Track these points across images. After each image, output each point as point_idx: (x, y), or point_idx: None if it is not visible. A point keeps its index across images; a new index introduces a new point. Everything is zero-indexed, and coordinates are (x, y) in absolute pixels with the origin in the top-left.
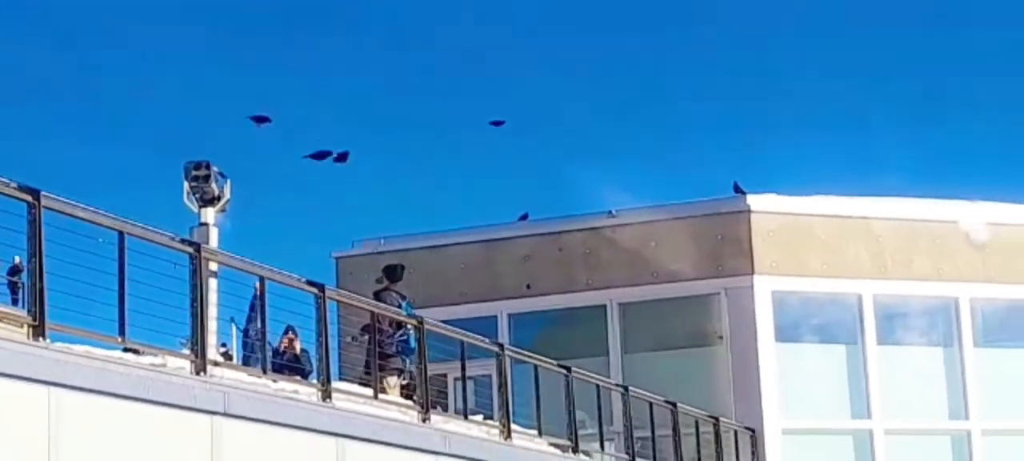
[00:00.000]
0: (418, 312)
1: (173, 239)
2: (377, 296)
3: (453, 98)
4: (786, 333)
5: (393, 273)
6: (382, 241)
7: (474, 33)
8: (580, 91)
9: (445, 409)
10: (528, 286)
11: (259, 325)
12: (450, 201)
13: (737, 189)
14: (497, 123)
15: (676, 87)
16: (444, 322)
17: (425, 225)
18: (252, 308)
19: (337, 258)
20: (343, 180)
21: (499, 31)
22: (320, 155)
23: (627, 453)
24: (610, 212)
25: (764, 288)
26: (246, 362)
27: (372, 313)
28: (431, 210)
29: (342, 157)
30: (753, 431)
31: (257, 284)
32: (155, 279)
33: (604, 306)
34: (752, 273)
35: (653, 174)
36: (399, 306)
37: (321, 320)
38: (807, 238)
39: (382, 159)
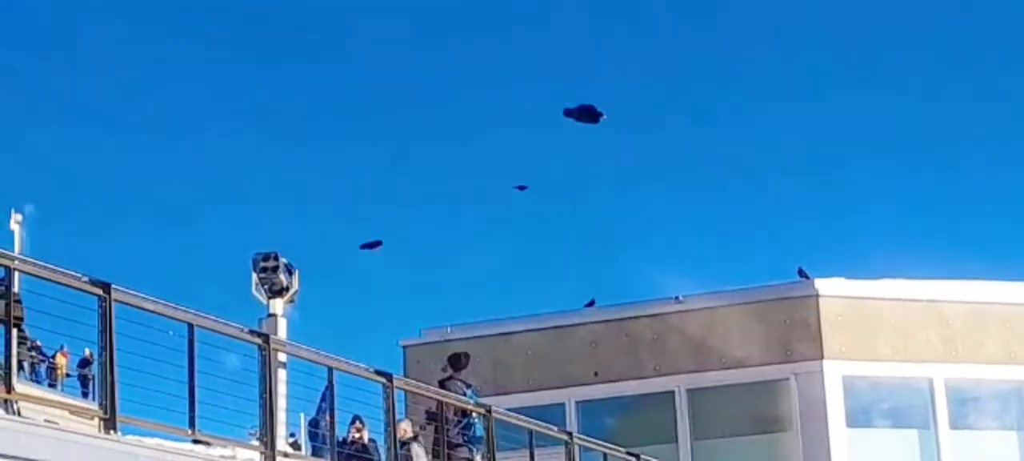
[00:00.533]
0: (485, 400)
1: (242, 331)
2: (442, 385)
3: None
4: (857, 418)
5: (458, 362)
6: (449, 329)
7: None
8: (644, 178)
9: None
10: (596, 373)
11: (328, 415)
12: (517, 289)
13: (802, 274)
14: (521, 187)
15: (738, 172)
16: (512, 410)
17: (492, 313)
18: (323, 398)
19: (404, 347)
20: (410, 267)
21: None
22: (372, 245)
23: None
24: (676, 298)
25: (834, 373)
26: (315, 453)
27: (439, 401)
28: (498, 298)
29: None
30: None
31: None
32: (225, 371)
33: (672, 393)
34: (821, 358)
35: (717, 260)
36: (464, 394)
37: (389, 410)
38: (876, 322)
39: (447, 247)
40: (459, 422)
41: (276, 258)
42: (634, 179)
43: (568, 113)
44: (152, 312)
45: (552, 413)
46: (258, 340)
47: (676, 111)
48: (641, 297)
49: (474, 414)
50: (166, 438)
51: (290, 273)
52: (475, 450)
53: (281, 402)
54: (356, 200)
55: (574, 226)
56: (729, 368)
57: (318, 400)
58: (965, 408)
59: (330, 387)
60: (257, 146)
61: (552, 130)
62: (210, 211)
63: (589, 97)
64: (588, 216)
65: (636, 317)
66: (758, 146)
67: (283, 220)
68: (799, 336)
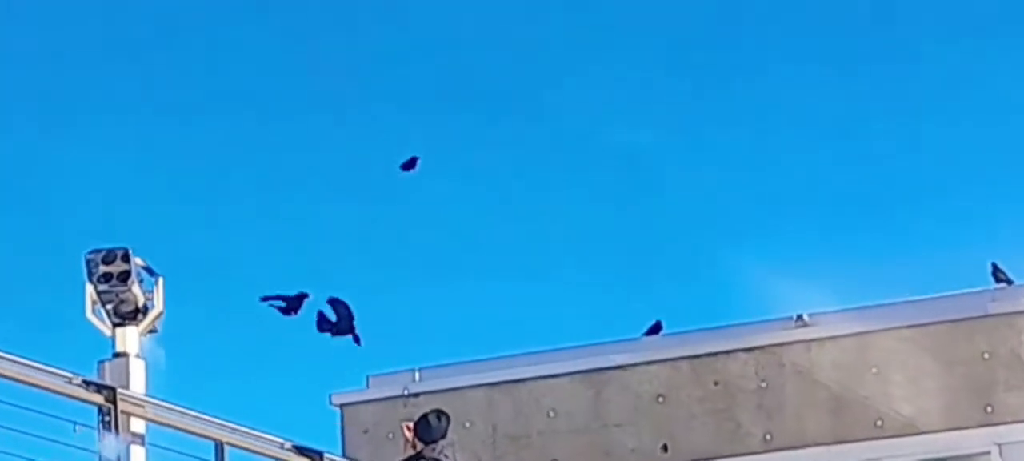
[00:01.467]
0: None
1: (71, 381)
2: None
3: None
4: None
5: (428, 430)
6: (415, 375)
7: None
8: (738, 137)
9: None
10: (665, 448)
11: None
12: (529, 309)
13: (998, 274)
14: (409, 165)
15: (882, 125)
16: None
17: (487, 348)
18: None
19: (340, 406)
20: (348, 280)
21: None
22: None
23: None
24: (797, 318)
25: None
26: None
27: None
28: (498, 325)
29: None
30: None
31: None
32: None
33: None
34: None
35: (860, 257)
36: None
37: None
38: None
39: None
40: None
41: (127, 258)
42: (722, 139)
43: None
44: None
45: None
46: (97, 397)
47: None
48: (738, 318)
49: None
50: None
51: (151, 283)
52: None
53: None
54: (264, 172)
55: (626, 213)
56: (890, 437)
57: None
58: None
59: None
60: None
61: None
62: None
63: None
64: (650, 197)
65: (731, 351)
66: (909, 81)
67: (146, 202)
68: (1006, 379)
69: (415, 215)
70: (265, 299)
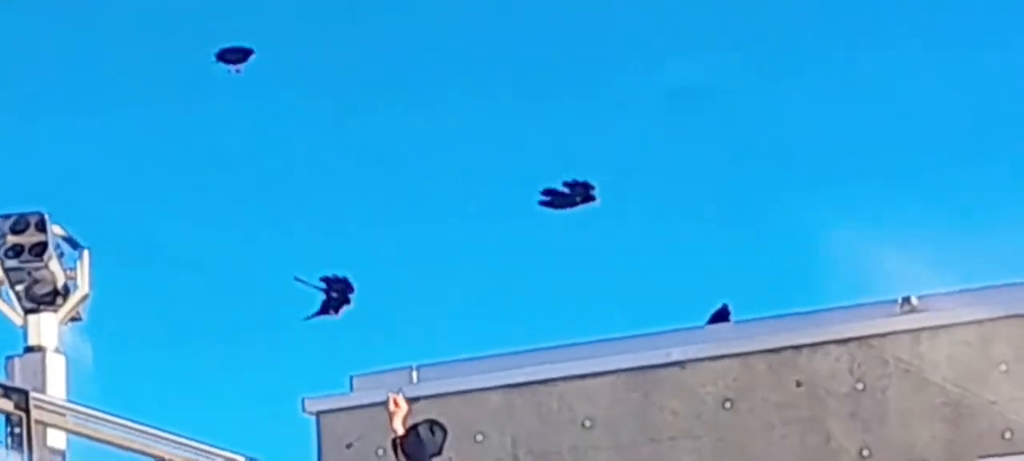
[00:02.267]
0: None
1: None
2: None
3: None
4: None
5: (419, 446)
6: (413, 373)
7: None
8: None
9: None
10: None
11: None
12: (556, 291)
13: None
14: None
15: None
16: None
17: (501, 339)
18: None
19: (317, 413)
20: (328, 256)
21: None
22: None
23: None
24: (904, 301)
25: None
26: None
27: None
28: (514, 310)
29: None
30: None
31: None
32: None
33: None
34: None
35: (984, 227)
36: None
37: None
38: None
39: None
40: None
41: (42, 226)
42: (809, 65)
43: None
44: None
45: None
46: (5, 403)
47: None
48: (828, 302)
49: None
50: None
51: (73, 258)
52: None
53: None
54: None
55: (682, 167)
56: (1020, 452)
57: None
58: None
59: None
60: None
61: None
62: None
63: None
64: (714, 147)
65: (819, 344)
66: None
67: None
68: None
69: (406, 165)
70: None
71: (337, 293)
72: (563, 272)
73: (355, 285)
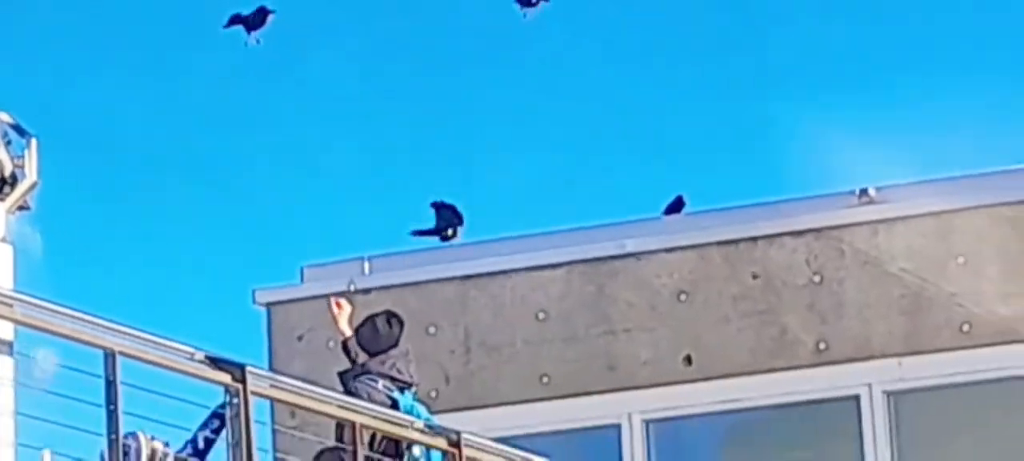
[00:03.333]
0: (446, 421)
1: None
2: (347, 386)
3: None
4: None
5: (376, 337)
6: (365, 265)
7: None
8: None
9: None
10: (688, 360)
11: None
12: (508, 181)
13: None
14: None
15: None
16: (502, 440)
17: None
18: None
19: (267, 304)
20: (276, 150)
21: None
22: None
23: None
24: (862, 192)
25: None
26: None
27: (343, 425)
28: (467, 201)
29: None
30: None
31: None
32: None
33: (856, 398)
34: None
35: (942, 116)
36: (392, 404)
37: (240, 432)
38: None
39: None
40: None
41: None
42: None
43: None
44: None
45: (597, 444)
46: None
47: None
48: (785, 192)
49: (420, 451)
50: None
51: (21, 146)
52: None
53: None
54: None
55: (635, 58)
56: (981, 346)
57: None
58: None
59: (111, 389)
60: None
61: None
62: None
63: None
64: (666, 35)
65: (775, 235)
66: None
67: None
68: None
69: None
70: (417, 234)
71: (446, 221)
72: (517, 161)
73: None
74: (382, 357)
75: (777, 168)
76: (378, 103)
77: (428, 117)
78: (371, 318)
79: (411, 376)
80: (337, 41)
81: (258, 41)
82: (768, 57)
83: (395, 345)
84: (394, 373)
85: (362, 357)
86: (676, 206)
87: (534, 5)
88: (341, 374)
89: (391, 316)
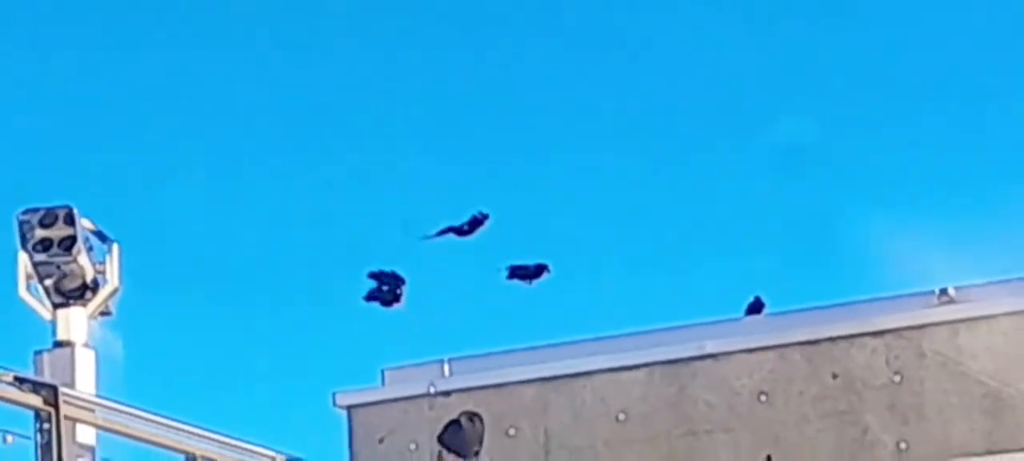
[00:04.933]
0: None
1: (1, 377)
2: None
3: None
4: None
5: (460, 438)
6: (445, 367)
7: None
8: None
9: None
10: (768, 459)
11: None
12: (587, 286)
13: None
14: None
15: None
16: None
17: (534, 332)
18: None
19: (348, 407)
20: (355, 251)
21: None
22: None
23: None
24: (942, 292)
25: None
26: None
27: None
28: (546, 304)
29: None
30: None
31: None
32: None
33: None
34: None
35: (1002, 227)
36: None
37: None
38: None
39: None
40: None
41: (70, 218)
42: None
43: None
44: None
45: None
46: (34, 399)
47: None
48: (864, 293)
49: None
50: None
51: (102, 252)
52: None
53: None
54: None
55: (710, 158)
56: None
57: None
58: None
59: None
60: None
61: None
62: None
63: None
64: (741, 139)
65: (855, 336)
66: None
67: (92, 152)
68: None
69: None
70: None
71: (388, 288)
72: (597, 263)
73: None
74: (472, 460)
75: (855, 270)
76: (453, 203)
77: (504, 215)
78: (454, 421)
79: None
80: (423, 144)
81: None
82: (846, 158)
83: (479, 442)
84: None
85: (450, 459)
86: (755, 308)
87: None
88: None
89: (471, 415)
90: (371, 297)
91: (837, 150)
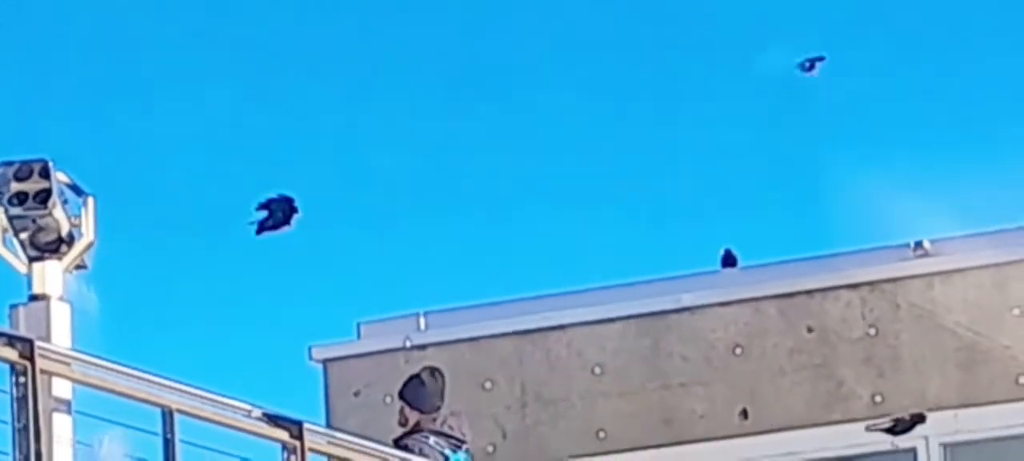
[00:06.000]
0: None
1: None
2: (398, 443)
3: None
4: None
5: (422, 394)
6: (420, 320)
7: None
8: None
9: None
10: (744, 414)
11: None
12: (561, 238)
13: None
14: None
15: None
16: None
17: (509, 286)
18: None
19: (324, 361)
20: (335, 207)
21: None
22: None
23: None
24: (917, 245)
25: None
26: None
27: None
28: (521, 257)
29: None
30: None
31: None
32: None
33: (912, 450)
34: None
35: (998, 167)
36: (445, 457)
37: None
38: None
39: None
40: None
41: (45, 171)
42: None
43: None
44: None
45: None
46: (9, 352)
47: None
48: (839, 246)
49: None
50: None
51: (78, 206)
52: None
53: None
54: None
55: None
56: None
57: None
58: None
59: (169, 447)
60: None
61: None
62: None
63: None
64: (716, 78)
65: (830, 289)
66: None
67: (67, 104)
68: None
69: (388, 128)
70: (259, 231)
71: (282, 212)
72: (571, 217)
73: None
74: (433, 415)
75: (830, 221)
76: (431, 157)
77: (482, 169)
78: (414, 377)
79: (463, 434)
80: (401, 93)
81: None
82: (820, 109)
83: (441, 398)
84: (446, 430)
85: (413, 416)
86: (729, 260)
87: (811, 69)
88: (395, 440)
89: (433, 370)
90: (262, 228)
91: (815, 95)
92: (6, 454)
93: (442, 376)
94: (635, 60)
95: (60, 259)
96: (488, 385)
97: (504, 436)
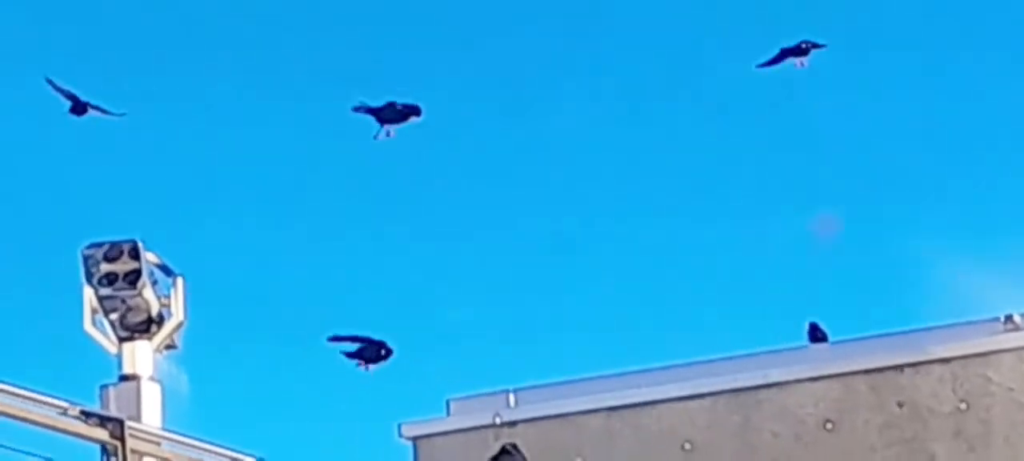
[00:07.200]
0: None
1: (66, 413)
2: None
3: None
4: None
5: None
6: (510, 397)
7: None
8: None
9: None
10: None
11: None
12: (650, 314)
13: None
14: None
15: None
16: None
17: (598, 362)
18: None
19: (413, 438)
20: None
21: None
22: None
23: None
24: (1007, 319)
25: None
26: None
27: None
28: (611, 334)
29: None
30: None
31: None
32: None
33: None
34: None
35: None
36: None
37: None
38: None
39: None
40: None
41: (135, 252)
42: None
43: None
44: None
45: None
46: (100, 432)
47: None
48: (930, 320)
49: None
50: None
51: (167, 286)
52: None
53: None
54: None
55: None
56: None
57: None
58: None
59: None
60: None
61: None
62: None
63: None
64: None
65: (921, 363)
66: None
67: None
68: None
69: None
70: (335, 340)
71: (372, 352)
72: (659, 293)
73: (393, 349)
74: None
75: (919, 297)
76: (506, 237)
77: (567, 245)
78: (503, 451)
79: None
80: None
81: (388, 134)
82: (905, 190)
83: None
84: None
85: None
86: (818, 335)
87: (805, 53)
88: None
89: (513, 447)
90: (351, 355)
91: (899, 169)
92: None
93: (521, 453)
94: (723, 159)
95: (150, 339)
96: None
97: None
